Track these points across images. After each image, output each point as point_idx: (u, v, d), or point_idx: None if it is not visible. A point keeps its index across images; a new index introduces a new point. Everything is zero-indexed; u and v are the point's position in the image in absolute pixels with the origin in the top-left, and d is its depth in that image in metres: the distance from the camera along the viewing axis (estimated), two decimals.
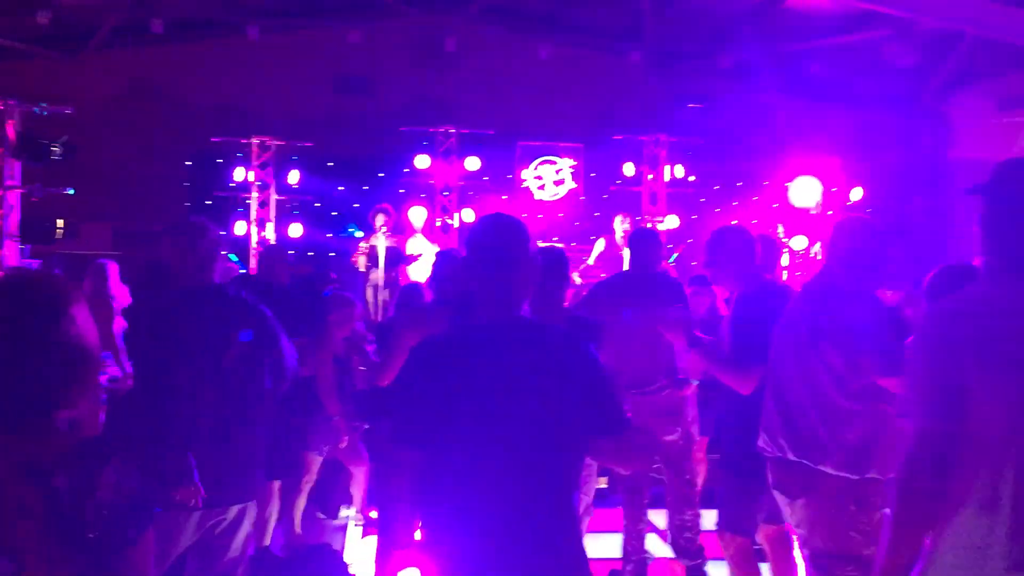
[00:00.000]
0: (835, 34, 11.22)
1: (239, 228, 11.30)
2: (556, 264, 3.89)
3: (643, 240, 5.02)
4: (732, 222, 4.69)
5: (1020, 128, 12.09)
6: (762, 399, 3.42)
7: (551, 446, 2.13)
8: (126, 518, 1.45)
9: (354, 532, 5.74)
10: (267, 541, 4.91)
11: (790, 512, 3.08)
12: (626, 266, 6.48)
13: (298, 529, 5.37)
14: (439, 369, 2.19)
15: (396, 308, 5.40)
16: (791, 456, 3.01)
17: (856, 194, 12.22)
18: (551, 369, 2.15)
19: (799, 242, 11.28)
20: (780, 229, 10.69)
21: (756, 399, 3.52)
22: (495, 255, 2.21)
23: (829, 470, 2.91)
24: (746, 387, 3.56)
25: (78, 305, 1.54)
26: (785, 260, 10.58)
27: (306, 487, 5.34)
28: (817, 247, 12.14)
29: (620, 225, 10.76)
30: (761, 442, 3.18)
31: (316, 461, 5.30)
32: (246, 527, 3.33)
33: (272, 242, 11.42)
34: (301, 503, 5.38)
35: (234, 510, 3.23)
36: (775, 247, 5.75)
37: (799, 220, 12.30)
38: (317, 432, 5.14)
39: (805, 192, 12.02)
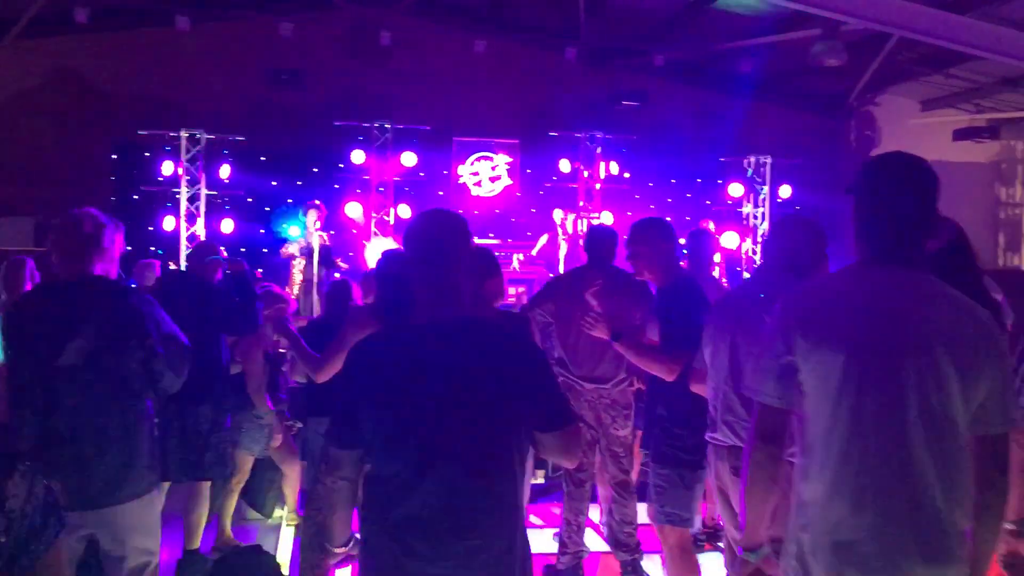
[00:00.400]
0: (765, 34, 11.42)
1: (167, 224, 11.04)
2: (484, 262, 3.91)
3: (600, 237, 5.04)
4: (666, 218, 4.74)
5: (942, 127, 12.49)
6: (688, 391, 3.53)
7: (496, 441, 2.12)
8: (37, 528, 1.41)
9: (286, 532, 5.66)
10: (196, 543, 4.81)
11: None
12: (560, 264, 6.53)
13: (228, 530, 5.27)
14: (379, 368, 2.16)
15: (326, 305, 5.34)
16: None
17: (784, 191, 12.50)
18: (494, 365, 2.14)
19: (730, 239, 11.47)
20: (711, 226, 10.85)
21: (685, 392, 3.60)
22: (435, 251, 2.20)
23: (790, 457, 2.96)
24: (671, 374, 3.69)
25: None
26: (717, 257, 10.75)
27: (237, 487, 5.25)
28: (748, 244, 12.38)
29: (558, 219, 10.87)
30: (719, 434, 3.23)
31: (248, 460, 5.20)
32: (137, 529, 3.21)
33: (202, 238, 11.19)
34: (231, 503, 5.28)
35: (113, 512, 3.11)
36: (709, 240, 5.84)
37: (731, 217, 12.53)
38: (248, 431, 5.05)
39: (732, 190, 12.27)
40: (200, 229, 11.28)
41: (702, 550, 5.36)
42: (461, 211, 11.98)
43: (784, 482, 2.18)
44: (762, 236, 12.50)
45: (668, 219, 4.45)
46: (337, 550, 4.03)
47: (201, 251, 5.32)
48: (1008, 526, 2.80)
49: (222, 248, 5.43)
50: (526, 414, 2.17)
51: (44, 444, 3.00)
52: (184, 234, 11.23)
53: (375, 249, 10.15)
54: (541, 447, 2.26)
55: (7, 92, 10.34)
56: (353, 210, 11.35)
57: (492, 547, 2.11)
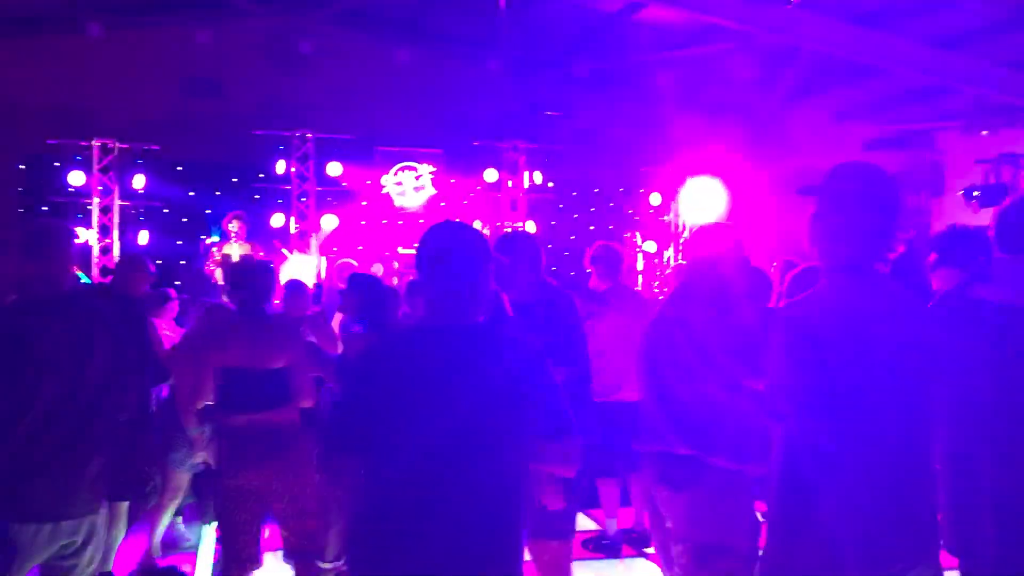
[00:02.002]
0: (683, 46, 11.64)
1: (79, 236, 10.69)
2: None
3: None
4: (590, 227, 4.76)
5: (852, 138, 12.90)
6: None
7: (499, 450, 2.13)
8: None
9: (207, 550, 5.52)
10: (108, 566, 4.63)
11: (670, 506, 3.10)
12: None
13: (157, 550, 5.09)
14: (380, 375, 2.17)
15: (284, 303, 5.23)
16: (681, 450, 3.04)
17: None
18: (497, 372, 2.15)
19: (651, 246, 11.66)
20: (638, 235, 11.01)
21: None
22: (446, 259, 2.22)
23: (719, 462, 2.98)
24: None
25: None
26: (640, 264, 10.91)
27: (170, 504, 5.06)
28: (670, 251, 12.58)
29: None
30: (642, 440, 3.21)
31: (180, 477, 5.03)
32: (95, 544, 3.16)
33: (117, 250, 10.89)
34: (162, 521, 5.10)
35: (86, 524, 3.07)
36: (615, 255, 5.89)
37: (654, 226, 12.71)
38: (178, 447, 4.89)
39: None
40: (115, 241, 10.96)
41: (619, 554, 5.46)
42: (385, 221, 11.95)
43: None
44: (683, 244, 12.72)
45: (591, 228, 4.47)
46: (327, 566, 3.97)
47: (129, 264, 5.16)
48: None
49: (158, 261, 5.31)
50: (530, 423, 2.17)
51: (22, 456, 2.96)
52: (97, 247, 10.89)
53: (296, 264, 10.03)
54: (542, 456, 2.26)
55: None
56: (328, 222, 11.23)
57: (497, 559, 2.12)
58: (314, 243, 11.33)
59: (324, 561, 4.31)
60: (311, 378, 4.13)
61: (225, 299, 9.37)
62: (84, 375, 3.05)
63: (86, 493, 3.08)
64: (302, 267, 10.03)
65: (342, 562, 4.26)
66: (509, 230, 11.59)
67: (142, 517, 5.01)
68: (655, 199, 12.77)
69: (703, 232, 3.43)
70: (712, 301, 3.10)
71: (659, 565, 3.35)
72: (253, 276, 4.16)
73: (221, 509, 4.16)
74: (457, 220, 2.43)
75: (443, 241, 2.27)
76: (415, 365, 2.14)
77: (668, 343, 3.18)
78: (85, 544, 3.11)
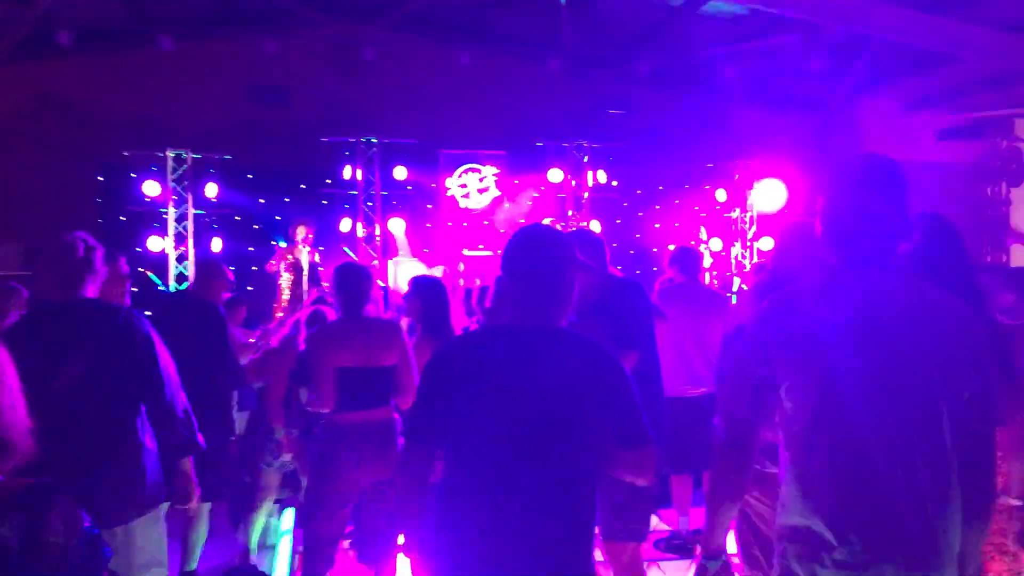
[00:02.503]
0: (748, 39, 11.47)
1: (153, 244, 11.00)
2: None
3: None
4: (655, 225, 4.74)
5: (925, 128, 12.56)
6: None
7: (576, 454, 2.14)
8: (84, 561, 1.38)
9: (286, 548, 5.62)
10: (193, 565, 4.76)
11: (754, 506, 3.11)
12: None
13: (254, 550, 5.19)
14: (460, 369, 2.20)
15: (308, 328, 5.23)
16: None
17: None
18: (577, 377, 2.16)
19: (717, 243, 11.51)
20: (703, 232, 10.87)
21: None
22: (534, 263, 2.24)
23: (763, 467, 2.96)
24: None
25: None
26: (707, 261, 10.78)
27: (263, 505, 5.17)
28: (737, 248, 12.41)
29: None
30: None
31: (271, 478, 5.12)
32: (144, 547, 3.18)
33: (191, 258, 11.18)
34: (257, 521, 5.20)
35: (121, 531, 3.08)
36: (694, 255, 5.90)
37: (719, 223, 12.55)
38: (267, 447, 5.00)
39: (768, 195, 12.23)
40: (190, 249, 11.26)
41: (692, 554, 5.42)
42: (450, 223, 12.03)
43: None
44: (752, 238, 12.55)
45: (656, 226, 4.44)
46: None
47: (207, 270, 5.27)
48: (1014, 502, 2.81)
49: (231, 267, 5.41)
50: (605, 429, 2.18)
51: (43, 468, 2.96)
52: (173, 254, 11.19)
53: (409, 269, 10.18)
54: (616, 464, 2.26)
55: None
56: (396, 226, 11.40)
57: (570, 560, 2.13)
58: (405, 247, 11.45)
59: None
60: (413, 377, 4.20)
61: (283, 302, 9.62)
62: (54, 387, 3.03)
63: (137, 495, 3.12)
64: (414, 272, 10.15)
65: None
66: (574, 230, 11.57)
67: (233, 517, 5.12)
68: (721, 195, 12.62)
69: (795, 229, 3.32)
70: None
71: (740, 564, 3.29)
72: (357, 279, 4.28)
73: (309, 508, 4.24)
74: (545, 223, 2.44)
75: (531, 244, 2.29)
76: (494, 366, 2.16)
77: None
78: (139, 547, 3.14)
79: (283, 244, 9.92)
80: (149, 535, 3.21)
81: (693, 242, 10.76)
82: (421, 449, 2.25)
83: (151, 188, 10.96)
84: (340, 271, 4.35)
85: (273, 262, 9.91)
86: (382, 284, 9.95)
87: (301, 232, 9.83)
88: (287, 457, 5.02)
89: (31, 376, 2.99)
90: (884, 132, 13.05)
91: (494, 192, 12.59)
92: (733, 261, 12.47)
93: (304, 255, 9.76)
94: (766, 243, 12.43)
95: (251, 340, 6.09)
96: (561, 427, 2.12)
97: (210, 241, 11.11)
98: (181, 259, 11.33)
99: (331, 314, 4.93)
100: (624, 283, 4.01)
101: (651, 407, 3.75)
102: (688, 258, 5.80)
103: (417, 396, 2.28)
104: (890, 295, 2.01)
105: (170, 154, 11.17)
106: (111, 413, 3.11)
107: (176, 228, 11.32)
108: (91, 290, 3.21)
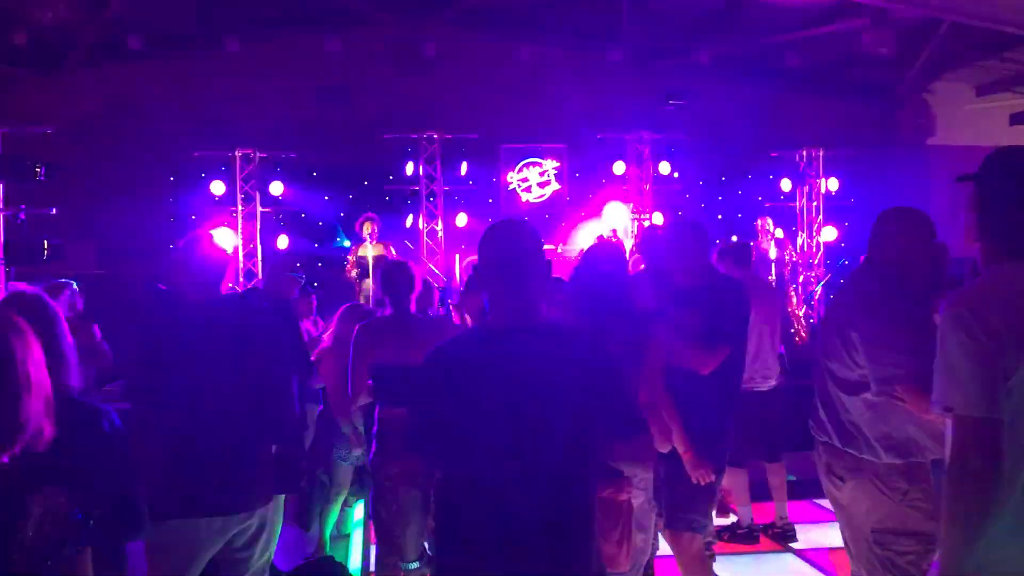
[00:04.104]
0: (812, 26, 11.28)
1: (225, 238, 11.26)
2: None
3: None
4: (717, 216, 4.70)
5: (999, 112, 12.20)
6: (700, 389, 3.55)
7: (572, 450, 2.12)
8: (53, 548, 1.46)
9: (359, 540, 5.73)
10: (270, 556, 4.87)
11: (839, 495, 3.08)
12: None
13: (327, 542, 5.30)
14: (454, 373, 2.18)
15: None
16: (838, 444, 3.03)
17: (832, 184, 12.30)
18: (569, 370, 2.14)
19: (780, 233, 11.34)
20: (769, 222, 10.72)
21: (714, 392, 3.63)
22: (510, 260, 2.21)
23: (874, 458, 2.95)
24: (705, 367, 3.65)
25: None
26: (773, 252, 10.63)
27: (336, 497, 5.27)
28: (803, 238, 12.20)
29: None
30: (812, 425, 3.21)
31: (343, 472, 5.22)
32: (268, 535, 3.32)
33: (259, 254, 11.41)
34: (331, 514, 5.30)
35: (257, 517, 3.22)
36: (742, 248, 5.87)
37: (784, 212, 12.37)
38: (337, 442, 5.10)
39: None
40: (258, 246, 11.50)
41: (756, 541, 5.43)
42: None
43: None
44: (816, 230, 12.34)
45: (719, 217, 4.43)
46: (413, 567, 4.01)
47: (279, 266, 5.38)
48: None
49: (298, 264, 5.52)
50: (601, 421, 2.17)
51: (186, 452, 3.10)
52: (241, 252, 11.44)
53: None
54: (614, 455, 2.27)
55: (66, 120, 10.60)
56: (461, 221, 11.53)
57: (573, 556, 2.12)
58: None
59: (406, 563, 4.36)
60: None
61: (361, 300, 9.74)
62: (245, 372, 3.20)
63: (257, 487, 3.23)
64: None
65: (423, 562, 4.28)
66: (647, 222, 11.54)
67: (309, 510, 5.22)
68: (785, 185, 12.43)
69: (887, 217, 3.17)
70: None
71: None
72: (403, 275, 4.30)
73: (376, 501, 4.31)
74: (515, 219, 2.41)
75: (501, 242, 2.25)
76: (491, 363, 2.14)
77: (823, 338, 3.12)
78: (257, 535, 3.26)
79: (347, 243, 10.05)
80: (272, 527, 3.37)
81: (758, 224, 10.63)
82: (426, 462, 2.26)
83: (217, 187, 11.23)
84: (384, 269, 4.39)
85: (348, 261, 10.05)
86: (435, 283, 10.05)
87: (367, 228, 9.96)
88: (357, 451, 5.11)
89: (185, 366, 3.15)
90: (955, 117, 12.73)
91: (555, 185, 12.60)
92: (798, 252, 12.27)
93: (370, 251, 9.89)
94: (829, 232, 12.22)
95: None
96: (556, 425, 2.09)
97: (276, 238, 11.33)
98: (250, 256, 11.58)
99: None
100: (725, 280, 4.00)
101: (726, 405, 3.76)
102: (743, 251, 5.77)
103: (418, 405, 2.26)
104: None
105: (238, 154, 11.42)
106: (254, 402, 3.28)
107: (244, 226, 11.56)
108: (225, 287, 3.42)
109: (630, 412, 2.25)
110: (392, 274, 4.32)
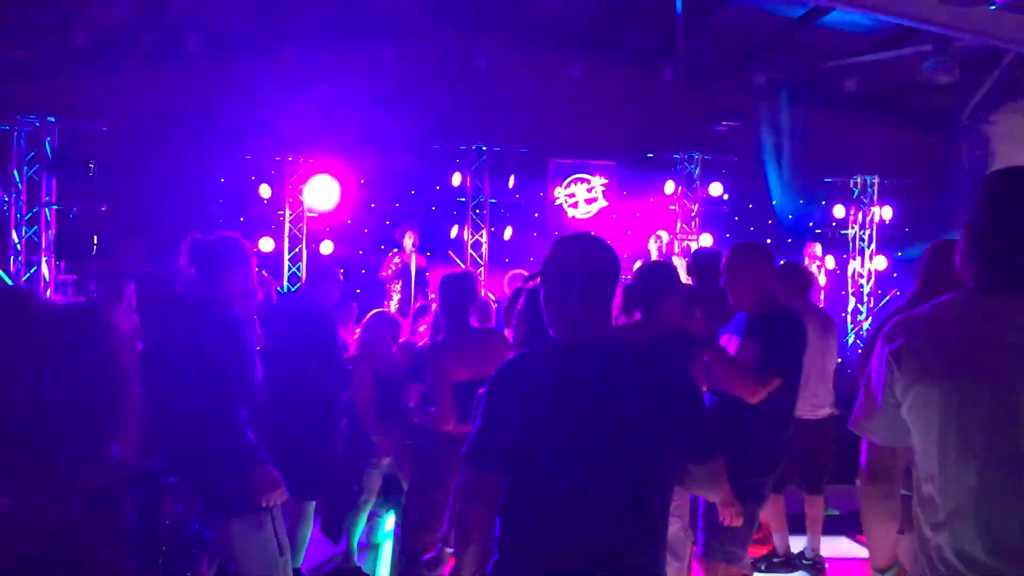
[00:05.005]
0: (871, 51, 11.08)
1: (265, 244, 11.32)
2: (659, 281, 3.94)
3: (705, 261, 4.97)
4: (766, 240, 4.59)
5: None
6: (747, 418, 3.54)
7: (644, 472, 2.06)
8: (189, 546, 1.49)
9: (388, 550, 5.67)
10: (299, 562, 4.83)
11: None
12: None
13: (354, 551, 5.25)
14: (524, 389, 2.12)
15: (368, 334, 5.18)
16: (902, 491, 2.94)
17: (886, 213, 12.06)
18: (645, 390, 2.08)
19: (830, 262, 11.14)
20: (818, 248, 10.52)
21: (745, 421, 3.56)
22: (586, 275, 2.18)
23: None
24: (755, 396, 3.54)
25: (117, 334, 1.53)
26: (822, 279, 10.43)
27: (364, 505, 5.22)
28: (855, 265, 11.95)
29: (653, 244, 10.70)
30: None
31: (373, 477, 5.17)
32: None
33: (304, 259, 11.46)
34: (358, 522, 5.26)
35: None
36: (805, 274, 5.70)
37: (835, 239, 12.14)
38: (365, 450, 5.05)
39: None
40: (303, 251, 11.56)
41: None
42: (557, 233, 12.03)
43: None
44: (869, 256, 12.09)
45: (768, 242, 4.31)
46: None
47: (319, 271, 5.37)
48: None
49: (341, 269, 5.50)
50: (677, 443, 2.10)
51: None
52: (287, 256, 11.50)
53: None
54: (688, 479, 2.21)
55: (120, 117, 10.75)
56: (507, 233, 11.52)
57: None
58: None
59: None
60: None
61: (392, 306, 9.73)
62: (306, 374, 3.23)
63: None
64: None
65: None
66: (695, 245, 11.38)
67: (337, 521, 5.17)
68: (839, 211, 12.20)
69: (942, 246, 3.15)
70: None
71: None
72: (464, 287, 4.21)
73: (409, 517, 4.25)
74: (586, 233, 2.36)
75: (579, 254, 2.23)
76: (564, 380, 2.09)
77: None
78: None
79: (394, 249, 10.06)
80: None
81: (806, 259, 10.42)
82: (481, 473, 2.17)
83: (265, 191, 11.31)
84: (445, 280, 4.27)
85: (386, 268, 10.06)
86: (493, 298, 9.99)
87: (409, 238, 9.96)
88: (386, 461, 5.05)
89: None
90: (1016, 149, 12.40)
91: (602, 203, 12.51)
92: (849, 280, 12.04)
93: (412, 260, 9.88)
94: (880, 261, 11.97)
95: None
96: (631, 445, 2.04)
97: (321, 243, 11.38)
98: (295, 261, 11.63)
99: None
100: (784, 309, 3.84)
101: (774, 435, 3.64)
102: (805, 277, 5.62)
103: (479, 418, 2.18)
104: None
105: (288, 159, 11.49)
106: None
107: (291, 230, 11.63)
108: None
109: (708, 433, 2.19)
110: (453, 286, 4.19)
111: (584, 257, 2.21)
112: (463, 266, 10.95)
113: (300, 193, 11.59)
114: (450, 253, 11.61)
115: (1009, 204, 1.92)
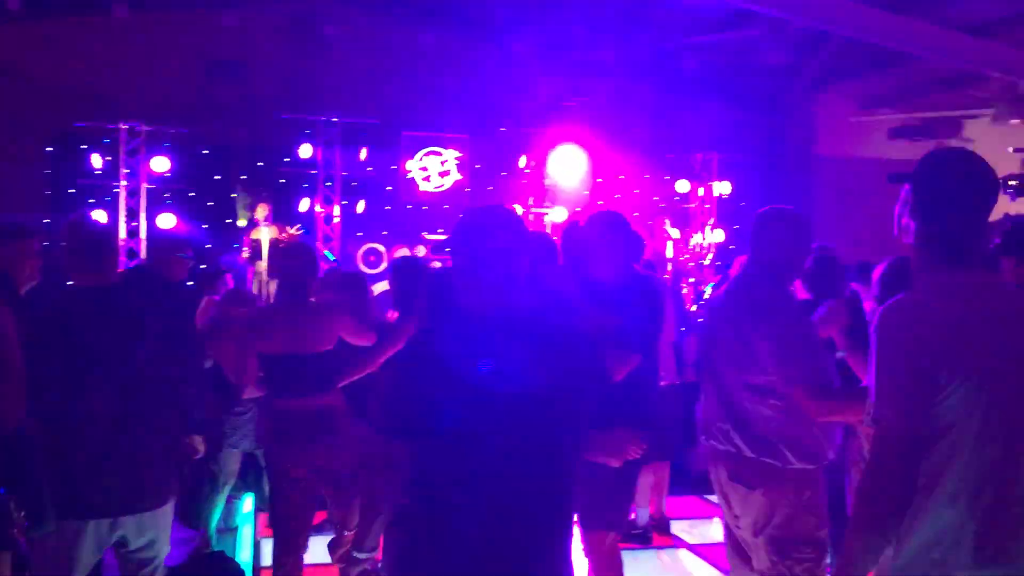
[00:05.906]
0: (711, 32, 11.54)
1: (101, 218, 10.67)
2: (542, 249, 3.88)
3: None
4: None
5: (878, 126, 12.78)
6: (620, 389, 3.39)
7: (543, 443, 2.07)
8: None
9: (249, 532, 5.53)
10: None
11: (743, 503, 3.07)
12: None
13: (212, 535, 5.07)
14: (428, 361, 2.12)
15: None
16: (749, 453, 3.01)
17: (724, 188, 12.67)
18: (546, 359, 2.09)
19: (674, 233, 11.64)
20: (667, 223, 10.96)
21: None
22: (493, 246, 2.14)
23: (785, 464, 2.95)
24: (619, 375, 3.46)
25: None
26: (670, 252, 10.86)
27: (224, 488, 5.05)
28: (697, 237, 12.51)
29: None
30: (710, 441, 3.17)
31: (233, 458, 4.99)
32: (165, 535, 3.20)
33: (144, 233, 10.90)
34: (217, 506, 5.06)
35: (155, 517, 3.09)
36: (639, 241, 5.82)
37: (681, 214, 12.66)
38: (230, 426, 4.87)
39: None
40: (142, 224, 10.97)
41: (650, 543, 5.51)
42: (410, 206, 11.93)
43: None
44: (711, 228, 12.68)
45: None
46: (362, 556, 3.93)
47: (165, 247, 5.12)
48: None
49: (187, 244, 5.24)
50: (579, 411, 2.14)
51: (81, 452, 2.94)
52: (123, 229, 10.89)
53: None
54: (590, 446, 2.26)
55: None
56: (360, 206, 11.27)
57: (534, 552, 2.07)
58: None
59: (360, 551, 4.26)
60: (354, 360, 4.06)
61: (254, 284, 9.46)
62: (136, 364, 3.03)
63: (153, 487, 3.07)
64: None
65: (374, 553, 4.20)
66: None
67: (197, 507, 4.98)
68: (682, 186, 12.68)
69: (766, 218, 3.21)
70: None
71: (727, 558, 3.31)
72: (298, 259, 4.14)
73: (272, 493, 4.16)
74: (493, 204, 2.38)
75: (477, 225, 2.20)
76: (465, 357, 2.08)
77: (719, 343, 3.15)
78: (157, 537, 3.12)
79: (243, 222, 9.71)
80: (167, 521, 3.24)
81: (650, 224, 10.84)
82: (386, 444, 2.21)
83: (97, 161, 10.62)
84: (279, 253, 4.20)
85: (243, 250, 9.69)
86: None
87: (262, 211, 9.66)
88: (246, 440, 4.90)
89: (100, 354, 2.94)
90: (837, 129, 13.26)
91: (455, 176, 12.51)
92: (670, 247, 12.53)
93: (264, 234, 9.59)
94: (719, 234, 12.56)
95: None
96: (533, 415, 2.05)
97: (158, 216, 10.80)
98: (133, 234, 11.03)
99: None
100: (641, 279, 3.87)
101: (642, 407, 3.71)
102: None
103: (387, 390, 2.23)
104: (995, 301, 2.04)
105: (123, 127, 10.84)
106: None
107: (128, 203, 11.01)
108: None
109: (606, 404, 2.22)
110: (291, 257, 4.13)
111: (492, 229, 2.18)
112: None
113: (138, 163, 10.97)
114: (299, 227, 11.30)
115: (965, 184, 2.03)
